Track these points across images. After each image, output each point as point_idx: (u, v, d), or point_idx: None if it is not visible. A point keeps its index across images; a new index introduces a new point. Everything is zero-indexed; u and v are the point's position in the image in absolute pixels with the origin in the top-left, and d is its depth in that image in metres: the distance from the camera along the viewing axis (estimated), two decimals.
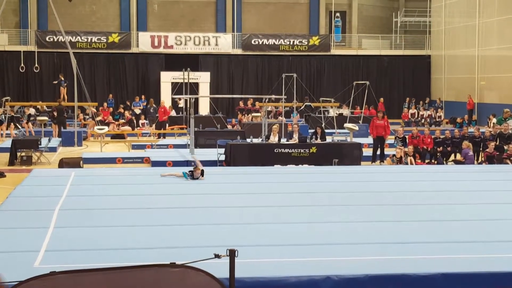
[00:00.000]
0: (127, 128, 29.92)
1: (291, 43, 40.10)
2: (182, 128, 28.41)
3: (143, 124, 31.62)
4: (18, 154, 20.17)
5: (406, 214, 11.11)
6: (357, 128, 23.97)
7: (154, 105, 32.67)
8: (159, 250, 8.37)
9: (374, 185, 14.46)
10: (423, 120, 35.88)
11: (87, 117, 31.45)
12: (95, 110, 29.93)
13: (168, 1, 40.76)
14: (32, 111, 31.82)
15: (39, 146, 20.83)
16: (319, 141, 19.73)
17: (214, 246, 7.27)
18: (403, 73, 42.05)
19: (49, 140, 23.43)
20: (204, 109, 35.64)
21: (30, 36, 38.23)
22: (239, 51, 39.88)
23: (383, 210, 11.46)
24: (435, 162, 21.01)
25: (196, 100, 32.25)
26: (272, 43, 39.95)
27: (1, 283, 6.01)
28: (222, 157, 18.77)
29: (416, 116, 36.54)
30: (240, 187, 14.18)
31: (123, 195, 12.77)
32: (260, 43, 39.86)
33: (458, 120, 33.28)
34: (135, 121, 31.38)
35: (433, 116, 36.53)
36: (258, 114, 31.58)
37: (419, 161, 20.43)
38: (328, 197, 12.78)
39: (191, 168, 14.96)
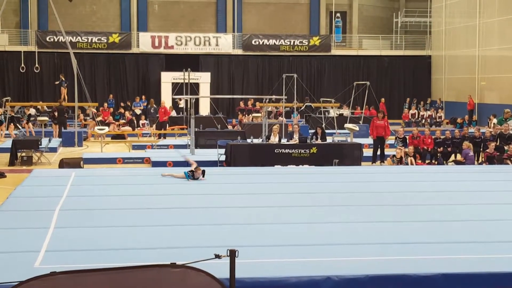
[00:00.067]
0: (127, 128, 29.93)
1: (292, 44, 40.12)
2: (182, 129, 28.41)
3: (143, 125, 31.64)
4: (19, 154, 20.18)
5: (407, 214, 11.10)
6: (357, 128, 23.97)
7: (154, 105, 32.69)
8: (159, 250, 8.36)
9: (375, 185, 14.45)
10: (423, 121, 35.89)
11: (88, 118, 31.45)
12: (95, 111, 29.94)
13: (169, 1, 40.78)
14: (32, 111, 31.83)
15: (40, 146, 20.85)
16: (319, 141, 19.73)
17: (214, 247, 7.27)
18: (404, 73, 42.06)
19: (50, 141, 23.44)
20: (204, 109, 35.65)
21: (31, 36, 38.25)
22: (239, 52, 39.90)
23: (383, 210, 11.45)
24: (436, 162, 21.02)
25: (197, 100, 32.25)
26: (273, 44, 39.97)
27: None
28: (223, 158, 18.77)
29: (416, 117, 36.55)
30: (241, 188, 14.17)
31: (124, 196, 12.77)
32: (261, 43, 39.88)
33: (459, 120, 33.30)
34: (135, 122, 31.40)
35: (433, 116, 36.54)
36: (259, 114, 31.60)
37: (420, 161, 20.44)
38: (328, 198, 12.77)
39: (192, 168, 14.95)
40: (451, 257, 8.14)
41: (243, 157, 18.75)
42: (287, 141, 20.33)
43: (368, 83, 31.09)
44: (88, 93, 27.99)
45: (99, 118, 29.41)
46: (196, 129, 21.71)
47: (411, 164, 19.41)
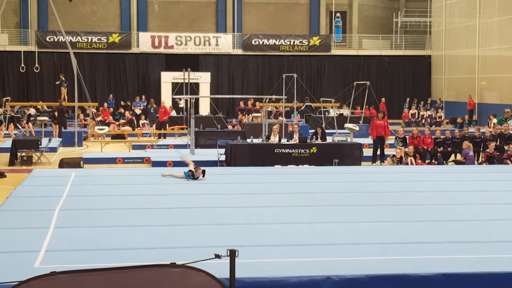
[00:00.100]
0: (127, 128, 29.94)
1: (292, 43, 40.12)
2: (182, 128, 28.41)
3: (143, 124, 31.63)
4: (19, 154, 20.18)
5: (407, 214, 11.10)
6: (357, 128, 23.97)
7: (154, 105, 32.69)
8: (159, 250, 8.36)
9: (375, 185, 14.45)
10: (423, 121, 35.88)
11: (88, 118, 31.45)
12: (95, 111, 29.95)
13: (169, 1, 40.78)
14: (32, 111, 31.83)
15: (40, 146, 20.85)
16: (319, 141, 19.73)
17: (214, 246, 7.27)
18: (404, 73, 42.06)
19: (50, 140, 23.45)
20: (204, 109, 35.64)
21: (31, 36, 38.25)
22: (239, 51, 39.90)
23: (383, 210, 11.45)
24: (436, 162, 21.02)
25: (197, 100, 32.25)
26: (273, 43, 39.97)
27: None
28: (223, 157, 18.77)
29: (416, 117, 36.54)
30: (241, 187, 14.17)
31: (124, 195, 12.77)
32: (261, 43, 39.88)
33: (459, 120, 33.30)
34: (135, 121, 31.40)
35: (433, 116, 36.54)
36: (259, 114, 31.60)
37: (420, 161, 20.44)
38: (328, 197, 12.77)
39: (190, 168, 14.94)
40: (451, 257, 8.14)
41: (243, 157, 18.75)
42: (287, 141, 20.33)
43: (368, 83, 31.09)
44: (88, 93, 27.99)
45: (99, 118, 29.41)
46: (196, 129, 21.71)
47: (411, 164, 19.41)
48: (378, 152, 20.51)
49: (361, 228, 9.90)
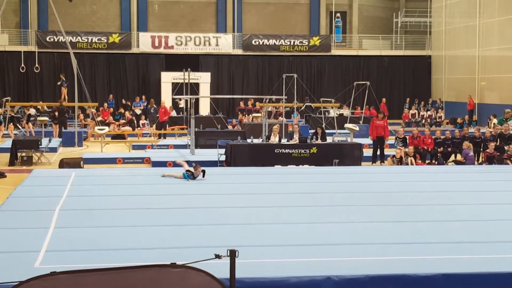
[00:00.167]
0: (127, 128, 29.94)
1: (292, 44, 40.12)
2: (182, 129, 28.41)
3: (143, 125, 31.64)
4: (19, 154, 20.18)
5: (407, 214, 11.11)
6: (357, 128, 23.97)
7: (154, 105, 32.69)
8: (159, 251, 8.37)
9: (375, 185, 14.45)
10: (423, 121, 35.87)
11: (88, 119, 31.45)
12: (94, 111, 29.94)
13: (169, 1, 40.78)
14: (32, 111, 31.82)
15: (40, 146, 20.85)
16: (319, 141, 19.73)
17: (214, 247, 7.27)
18: (404, 73, 42.06)
19: (50, 141, 23.45)
20: (204, 109, 35.64)
21: (31, 36, 38.25)
22: (239, 52, 39.90)
23: (383, 210, 11.45)
24: (436, 162, 21.02)
25: (197, 100, 32.25)
26: (273, 44, 39.97)
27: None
28: (223, 158, 18.77)
29: (416, 117, 36.53)
30: (241, 188, 14.18)
31: (124, 196, 12.77)
32: (261, 43, 39.88)
33: (459, 120, 33.29)
34: (135, 122, 31.40)
35: (433, 116, 36.53)
36: (259, 114, 31.60)
37: (420, 161, 20.44)
38: (328, 198, 12.77)
39: (191, 168, 14.95)
40: (451, 257, 8.14)
41: (243, 157, 18.75)
42: (287, 141, 20.33)
43: (368, 83, 31.08)
44: (88, 93, 27.99)
45: (99, 118, 29.40)
46: (196, 129, 21.71)
47: (411, 164, 19.41)
48: (378, 153, 20.51)
49: (361, 228, 9.90)
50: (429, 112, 36.78)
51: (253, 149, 19.11)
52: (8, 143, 22.37)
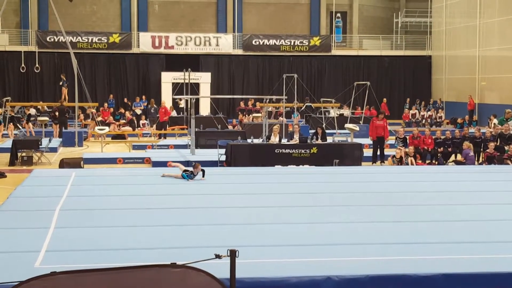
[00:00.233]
0: (127, 128, 29.93)
1: (292, 44, 40.11)
2: (182, 129, 28.42)
3: (143, 125, 31.64)
4: (19, 154, 20.19)
5: (407, 214, 11.11)
6: (357, 128, 23.97)
7: (154, 105, 32.68)
8: (159, 250, 8.37)
9: (375, 185, 14.45)
10: (423, 121, 35.86)
11: (88, 119, 31.44)
12: (94, 111, 29.93)
13: (169, 1, 40.78)
14: (32, 111, 31.82)
15: (40, 146, 20.85)
16: (319, 141, 19.73)
17: (214, 247, 7.27)
18: (404, 73, 42.05)
19: (50, 141, 23.45)
20: (204, 109, 35.63)
21: (31, 36, 38.25)
22: (239, 52, 39.89)
23: (383, 210, 11.45)
24: (436, 162, 21.01)
25: (197, 100, 32.25)
26: (273, 44, 39.96)
27: None
28: (223, 158, 18.77)
29: (416, 117, 36.52)
30: (241, 188, 14.18)
31: (124, 196, 12.77)
32: (261, 43, 39.87)
33: (459, 120, 33.28)
34: (135, 122, 31.40)
35: (433, 116, 36.52)
36: (259, 114, 31.60)
37: (420, 161, 20.44)
38: (328, 198, 12.77)
39: (190, 168, 14.95)
40: (452, 257, 8.14)
41: (244, 157, 18.75)
42: (288, 141, 20.33)
43: (368, 83, 31.08)
44: (88, 93, 27.98)
45: (99, 118, 29.40)
46: (196, 129, 21.71)
47: (412, 164, 19.41)
48: (378, 153, 20.52)
49: (362, 228, 9.90)
50: (429, 112, 36.77)
51: (253, 149, 19.11)
52: (8, 143, 22.38)
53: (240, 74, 40.34)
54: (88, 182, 14.59)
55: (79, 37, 38.05)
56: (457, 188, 14.42)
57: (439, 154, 21.22)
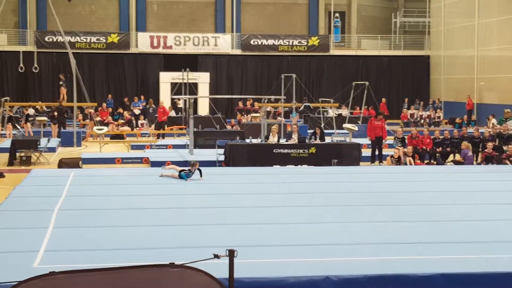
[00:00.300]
0: (126, 128, 29.92)
1: (290, 44, 40.10)
2: (181, 129, 28.41)
3: (142, 125, 31.62)
4: (17, 154, 20.17)
5: (406, 214, 11.11)
6: (356, 128, 23.98)
7: (153, 105, 32.64)
8: (158, 250, 8.37)
9: (373, 185, 14.46)
10: (422, 121, 35.86)
11: (87, 119, 31.41)
12: (93, 111, 29.92)
13: (168, 1, 40.76)
14: (31, 111, 31.80)
15: (38, 146, 20.84)
16: (318, 141, 19.73)
17: (213, 246, 7.28)
18: (402, 73, 42.04)
19: (48, 141, 23.46)
20: (203, 109, 35.62)
21: (29, 36, 38.21)
22: (238, 52, 39.87)
23: (382, 210, 11.46)
24: (434, 162, 21.02)
25: (195, 100, 32.19)
26: (271, 44, 39.95)
27: None
28: (222, 158, 18.77)
29: (415, 117, 36.52)
30: (239, 188, 14.18)
31: (122, 195, 12.77)
32: (259, 43, 39.86)
33: (457, 120, 33.26)
34: (134, 122, 31.38)
35: (432, 116, 36.52)
36: (257, 114, 31.59)
37: (418, 161, 20.44)
38: (327, 198, 12.78)
39: (185, 168, 14.96)
40: (450, 257, 8.15)
41: (242, 157, 18.75)
42: (286, 141, 20.34)
43: (367, 83, 31.06)
44: (87, 93, 27.96)
45: (98, 118, 29.39)
46: (195, 129, 21.70)
47: (410, 164, 19.42)
48: (377, 153, 20.52)
49: (360, 228, 9.91)
50: (427, 112, 36.77)
51: (252, 149, 19.11)
52: (7, 143, 22.36)
53: (239, 74, 40.33)
54: (87, 182, 14.59)
55: (78, 37, 38.01)
56: (456, 188, 14.43)
57: (437, 154, 21.23)
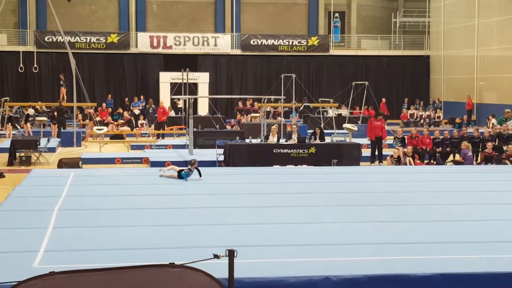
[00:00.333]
0: (126, 128, 29.92)
1: (290, 44, 40.10)
2: (181, 129, 28.41)
3: (142, 125, 31.62)
4: (17, 154, 20.17)
5: (405, 214, 11.11)
6: (356, 128, 23.98)
7: (153, 105, 32.62)
8: (158, 250, 8.37)
9: (373, 185, 14.46)
10: (422, 121, 35.86)
11: (86, 120, 31.40)
12: (93, 111, 29.91)
13: (167, 1, 40.76)
14: (31, 111, 31.80)
15: (38, 146, 20.84)
16: (318, 141, 19.73)
17: (213, 246, 7.28)
18: (402, 73, 42.04)
19: (48, 141, 23.45)
20: (203, 109, 35.63)
21: (29, 36, 38.20)
22: (238, 52, 39.87)
23: (382, 210, 11.46)
24: (434, 162, 21.02)
25: (195, 100, 32.23)
26: (271, 44, 39.95)
27: None
28: (221, 158, 18.77)
29: (415, 117, 36.52)
30: (239, 188, 14.18)
31: (122, 196, 12.77)
32: (259, 43, 39.86)
33: (457, 120, 33.27)
34: (134, 122, 31.38)
35: (432, 116, 36.52)
36: (257, 114, 31.60)
37: (418, 161, 20.44)
38: (327, 198, 12.77)
39: (184, 168, 14.96)
40: (450, 257, 8.15)
41: (242, 157, 18.75)
42: (286, 141, 20.34)
43: (366, 83, 31.07)
44: (86, 93, 27.96)
45: (98, 118, 29.38)
46: (194, 129, 21.70)
47: (410, 164, 19.41)
48: (376, 153, 20.52)
49: (360, 228, 9.91)
50: (427, 112, 36.77)
51: (251, 149, 19.11)
52: (6, 143, 22.36)
53: (239, 74, 40.32)
54: (87, 182, 14.59)
55: (77, 37, 38.00)
56: (456, 188, 14.43)
57: (437, 154, 21.23)
